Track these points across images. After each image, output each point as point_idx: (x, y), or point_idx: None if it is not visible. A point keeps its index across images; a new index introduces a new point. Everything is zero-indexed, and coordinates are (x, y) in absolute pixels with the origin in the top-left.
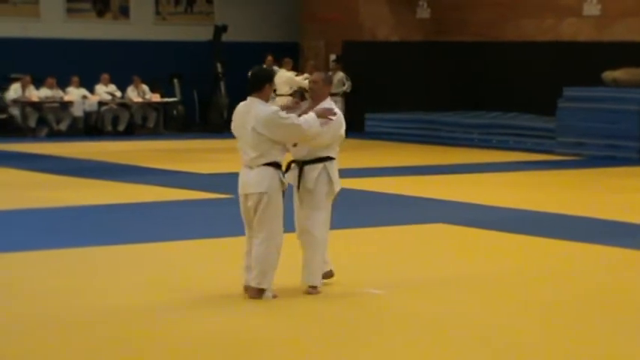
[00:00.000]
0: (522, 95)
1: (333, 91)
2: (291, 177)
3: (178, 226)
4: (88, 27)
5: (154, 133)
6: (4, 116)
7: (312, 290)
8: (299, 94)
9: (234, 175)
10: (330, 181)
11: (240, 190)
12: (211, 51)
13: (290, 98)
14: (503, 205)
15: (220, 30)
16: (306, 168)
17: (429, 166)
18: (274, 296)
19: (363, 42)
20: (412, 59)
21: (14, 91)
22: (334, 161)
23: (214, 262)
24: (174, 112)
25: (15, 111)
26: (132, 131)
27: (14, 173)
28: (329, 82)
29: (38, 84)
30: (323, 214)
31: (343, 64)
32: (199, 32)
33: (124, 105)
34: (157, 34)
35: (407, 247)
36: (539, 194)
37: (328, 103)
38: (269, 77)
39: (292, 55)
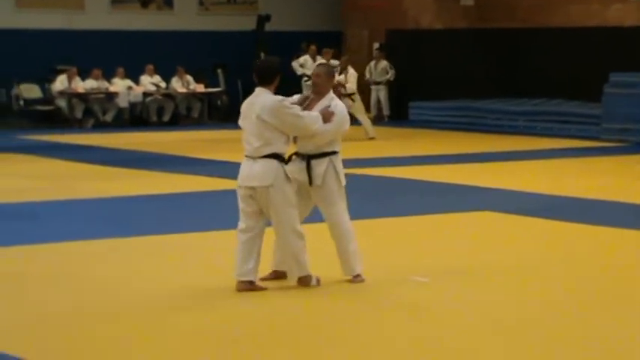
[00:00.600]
0: (568, 81)
1: (377, 79)
2: (296, 170)
3: (224, 216)
4: (132, 18)
5: (198, 124)
6: (51, 108)
7: (357, 279)
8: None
9: None
10: (337, 175)
11: (242, 182)
12: (255, 41)
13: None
14: (548, 192)
15: (264, 19)
16: (313, 162)
17: (473, 154)
18: (318, 280)
19: (407, 30)
20: (456, 47)
21: (60, 82)
22: (339, 155)
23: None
24: (219, 102)
25: (62, 102)
26: (176, 121)
27: (61, 164)
28: (331, 75)
29: (84, 75)
30: (342, 205)
31: (387, 52)
32: (243, 22)
33: (169, 95)
34: (201, 25)
35: (451, 235)
36: (585, 181)
37: (330, 97)
38: (279, 69)
39: (335, 44)
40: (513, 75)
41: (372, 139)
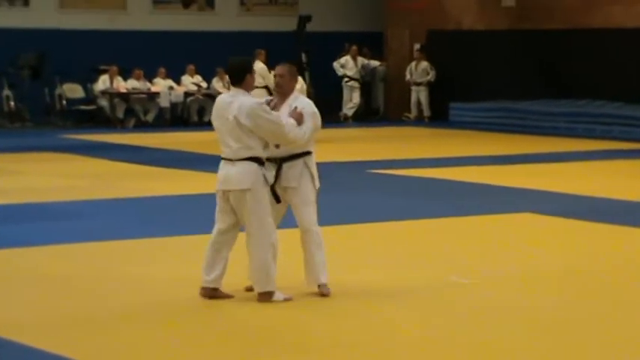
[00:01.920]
0: (610, 83)
1: (418, 80)
2: (269, 176)
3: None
4: (173, 18)
5: None
6: (93, 107)
7: (323, 289)
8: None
9: (321, 165)
10: (312, 176)
11: (220, 186)
12: (296, 41)
13: (263, 91)
14: (591, 194)
15: (304, 20)
16: (286, 165)
17: (514, 155)
18: (286, 298)
19: (448, 31)
20: (497, 48)
21: (102, 82)
22: (312, 155)
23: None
24: None
25: (103, 102)
26: None
27: (103, 164)
28: (295, 75)
29: (126, 75)
30: (313, 210)
31: (427, 53)
32: (284, 22)
33: (210, 96)
34: (242, 25)
35: (493, 237)
36: (628, 183)
37: (294, 97)
38: (248, 68)
39: (376, 44)
40: (554, 76)
41: None
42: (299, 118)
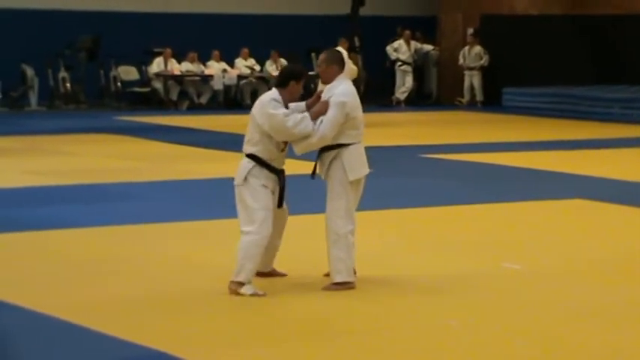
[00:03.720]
0: None
1: (471, 64)
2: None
3: (314, 198)
4: (228, 1)
5: None
6: (147, 89)
7: (334, 286)
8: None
9: (372, 150)
10: (344, 169)
11: None
12: (349, 25)
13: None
14: None
15: (358, 4)
16: (320, 157)
17: (566, 141)
18: (255, 294)
19: (502, 15)
20: (551, 33)
21: (157, 65)
22: (350, 147)
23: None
24: (312, 85)
25: (157, 84)
26: None
27: (157, 145)
28: (333, 62)
29: (180, 58)
30: (340, 204)
31: (481, 37)
32: (337, 6)
33: (263, 79)
34: (296, 9)
35: (543, 223)
36: None
37: (336, 84)
38: (294, 75)
39: (430, 28)
40: (609, 62)
41: None
42: (322, 108)
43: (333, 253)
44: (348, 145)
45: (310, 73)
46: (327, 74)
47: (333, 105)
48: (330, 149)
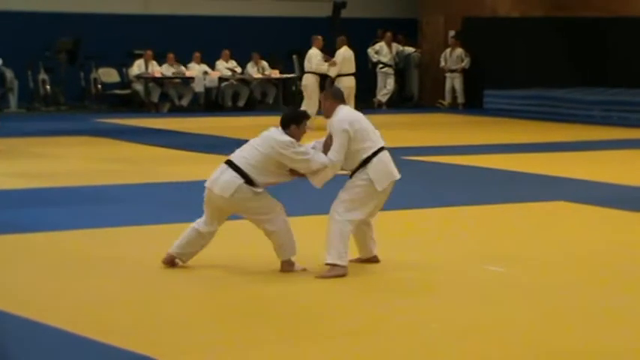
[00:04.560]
0: None
1: (452, 67)
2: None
3: (299, 202)
4: (209, 3)
5: (273, 109)
6: (128, 92)
7: (325, 271)
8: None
9: None
10: (369, 179)
11: None
12: (330, 27)
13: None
14: (624, 182)
15: (339, 6)
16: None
17: (547, 143)
18: (302, 268)
19: (483, 18)
20: (533, 35)
21: (138, 67)
22: (374, 160)
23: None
24: (293, 87)
25: (138, 86)
26: (251, 107)
27: (138, 148)
28: (330, 98)
29: (161, 60)
30: (346, 197)
31: (462, 40)
32: (318, 8)
33: (244, 81)
34: (277, 11)
35: (526, 225)
36: None
37: (335, 114)
38: (293, 119)
39: (411, 31)
40: (590, 64)
41: None
42: (329, 142)
43: (328, 236)
44: (371, 157)
45: (292, 75)
46: (328, 109)
47: (336, 136)
48: (357, 169)
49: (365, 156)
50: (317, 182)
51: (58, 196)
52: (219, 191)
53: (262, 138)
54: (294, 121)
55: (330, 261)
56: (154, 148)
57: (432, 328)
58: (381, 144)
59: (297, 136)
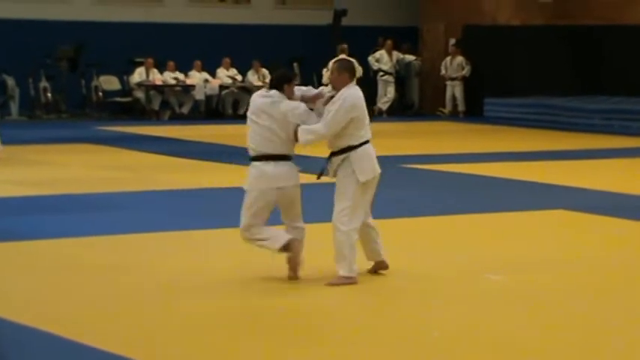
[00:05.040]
0: None
1: (452, 75)
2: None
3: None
4: (209, 11)
5: None
6: (129, 99)
7: (337, 280)
8: None
9: None
10: (353, 170)
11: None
12: (331, 35)
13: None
14: (625, 191)
15: (340, 14)
16: (332, 159)
17: (548, 152)
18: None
19: (484, 26)
20: (533, 43)
21: (139, 74)
22: (359, 150)
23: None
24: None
25: (139, 94)
26: None
27: (139, 155)
28: (343, 70)
29: (162, 68)
30: (346, 204)
31: (463, 48)
32: (319, 16)
33: (245, 89)
34: (278, 19)
35: (526, 233)
36: None
37: (345, 90)
38: (284, 79)
39: (411, 39)
40: (590, 72)
41: None
42: (313, 97)
43: (336, 248)
44: (357, 147)
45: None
46: (338, 81)
47: (334, 110)
48: (339, 153)
49: (352, 143)
50: (302, 138)
51: (58, 203)
52: (295, 181)
53: (264, 112)
54: (285, 81)
55: (342, 273)
56: (155, 155)
57: (434, 337)
58: (370, 136)
59: (290, 95)
